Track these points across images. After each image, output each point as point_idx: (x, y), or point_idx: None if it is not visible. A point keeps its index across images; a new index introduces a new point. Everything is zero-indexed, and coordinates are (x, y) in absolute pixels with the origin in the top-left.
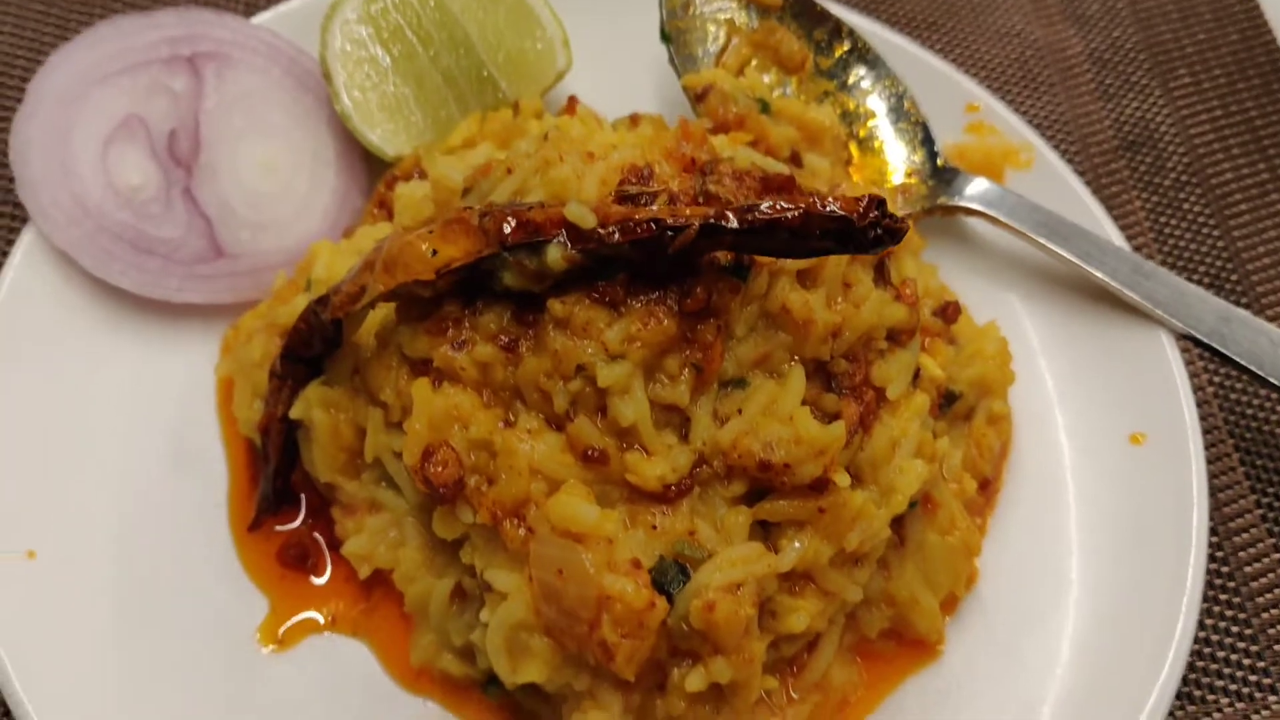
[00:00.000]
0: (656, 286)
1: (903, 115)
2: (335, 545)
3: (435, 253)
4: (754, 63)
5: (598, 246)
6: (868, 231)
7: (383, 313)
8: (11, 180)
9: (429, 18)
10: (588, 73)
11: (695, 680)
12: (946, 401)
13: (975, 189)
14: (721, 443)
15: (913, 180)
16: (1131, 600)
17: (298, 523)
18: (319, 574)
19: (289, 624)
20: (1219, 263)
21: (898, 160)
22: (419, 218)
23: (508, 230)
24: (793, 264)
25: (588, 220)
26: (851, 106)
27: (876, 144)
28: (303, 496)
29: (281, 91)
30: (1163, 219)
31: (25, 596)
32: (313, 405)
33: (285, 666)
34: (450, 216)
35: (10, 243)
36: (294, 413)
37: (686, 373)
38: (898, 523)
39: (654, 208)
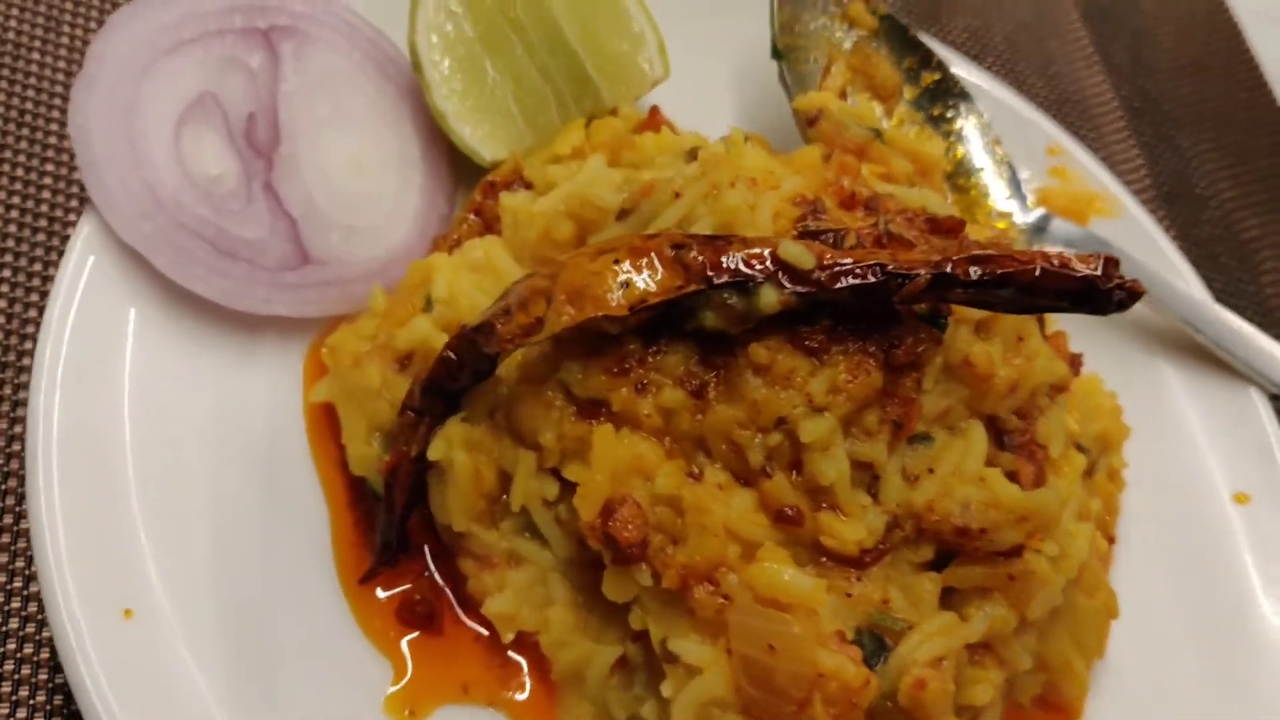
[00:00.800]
0: (859, 335)
1: (990, 153)
2: (463, 602)
3: (627, 285)
4: (848, 88)
5: (818, 290)
6: (1112, 294)
7: (533, 351)
8: (61, 153)
9: (525, 9)
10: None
11: None
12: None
13: (1069, 235)
14: (915, 504)
15: (1005, 223)
16: (1252, 660)
17: (416, 576)
18: (442, 633)
19: (421, 693)
20: (1256, 316)
21: (989, 200)
22: (545, 235)
23: (723, 265)
24: (975, 313)
25: (805, 261)
26: (939, 141)
27: (963, 181)
28: (426, 547)
29: (364, 78)
30: (1201, 269)
31: (125, 659)
32: (454, 445)
33: None
34: (637, 244)
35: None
36: (434, 454)
37: (884, 429)
38: None
39: (857, 249)
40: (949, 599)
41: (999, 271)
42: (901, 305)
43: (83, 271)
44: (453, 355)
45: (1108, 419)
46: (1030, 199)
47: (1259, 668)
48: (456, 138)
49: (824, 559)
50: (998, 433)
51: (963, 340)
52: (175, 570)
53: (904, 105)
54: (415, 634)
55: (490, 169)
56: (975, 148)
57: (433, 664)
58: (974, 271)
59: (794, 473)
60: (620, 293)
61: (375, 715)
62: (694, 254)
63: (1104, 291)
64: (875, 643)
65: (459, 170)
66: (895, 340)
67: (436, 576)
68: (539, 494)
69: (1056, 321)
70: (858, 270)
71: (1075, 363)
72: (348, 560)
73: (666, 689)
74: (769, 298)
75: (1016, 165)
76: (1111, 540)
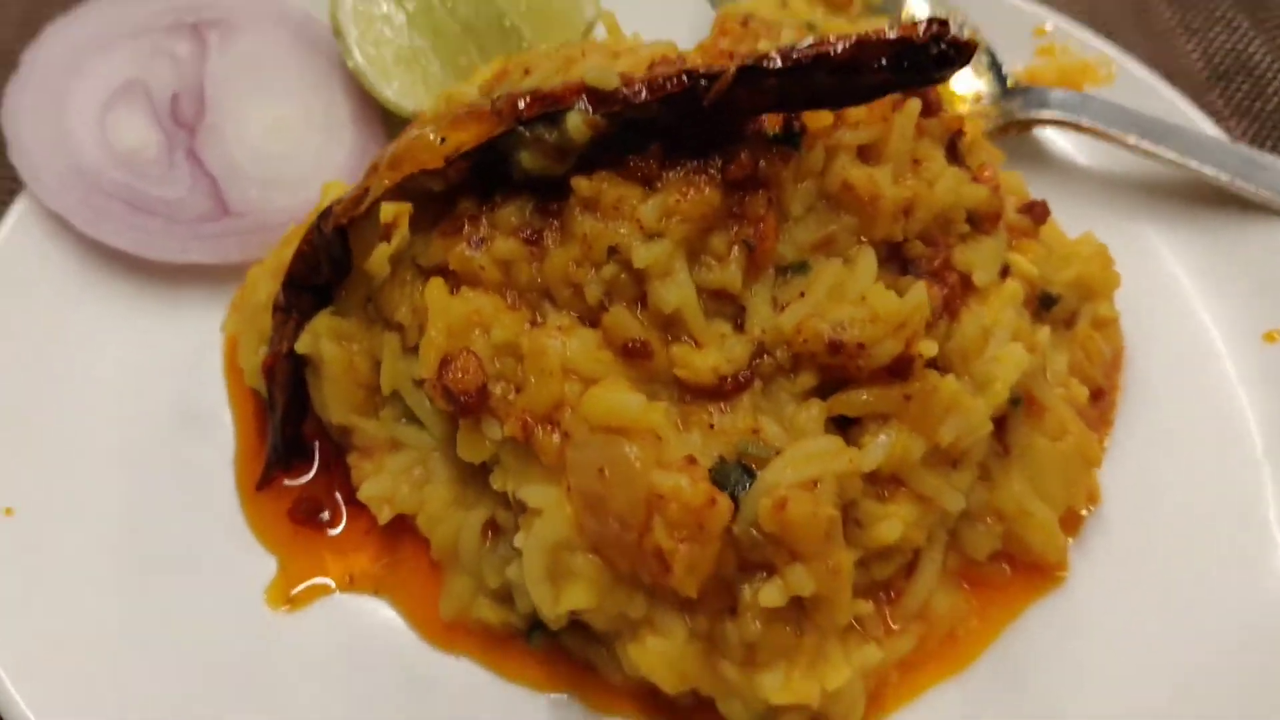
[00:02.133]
0: (696, 159)
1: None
2: (353, 499)
3: (444, 140)
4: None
5: (623, 108)
6: (929, 49)
7: (397, 241)
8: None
9: None
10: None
11: (771, 594)
12: (1044, 305)
13: (1052, 99)
14: (784, 328)
15: (981, 104)
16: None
17: (311, 477)
18: (332, 530)
19: (302, 586)
20: None
21: (963, 89)
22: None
23: (522, 106)
24: (851, 138)
25: (610, 81)
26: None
27: None
28: (316, 449)
29: (291, 54)
30: (1267, 145)
31: (5, 556)
32: (321, 337)
33: (300, 630)
34: (455, 114)
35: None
36: (300, 346)
37: (736, 252)
38: (1000, 428)
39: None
40: (847, 432)
41: (811, 53)
42: (747, 124)
43: (15, 239)
44: (306, 246)
45: (1086, 265)
46: (1010, 79)
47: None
48: (377, 93)
49: (685, 396)
50: (902, 261)
51: (839, 165)
52: (72, 481)
53: (869, 14)
54: (306, 532)
55: (414, 120)
56: None
57: (318, 558)
58: (783, 59)
59: (641, 307)
60: (438, 148)
61: (260, 607)
62: (502, 101)
63: (921, 48)
64: (742, 472)
65: (395, 128)
66: (730, 156)
67: (327, 478)
68: (407, 374)
69: (1011, 166)
70: (662, 80)
71: (1037, 209)
72: (248, 471)
73: (519, 540)
74: (575, 122)
75: (1001, 54)
76: (1101, 392)
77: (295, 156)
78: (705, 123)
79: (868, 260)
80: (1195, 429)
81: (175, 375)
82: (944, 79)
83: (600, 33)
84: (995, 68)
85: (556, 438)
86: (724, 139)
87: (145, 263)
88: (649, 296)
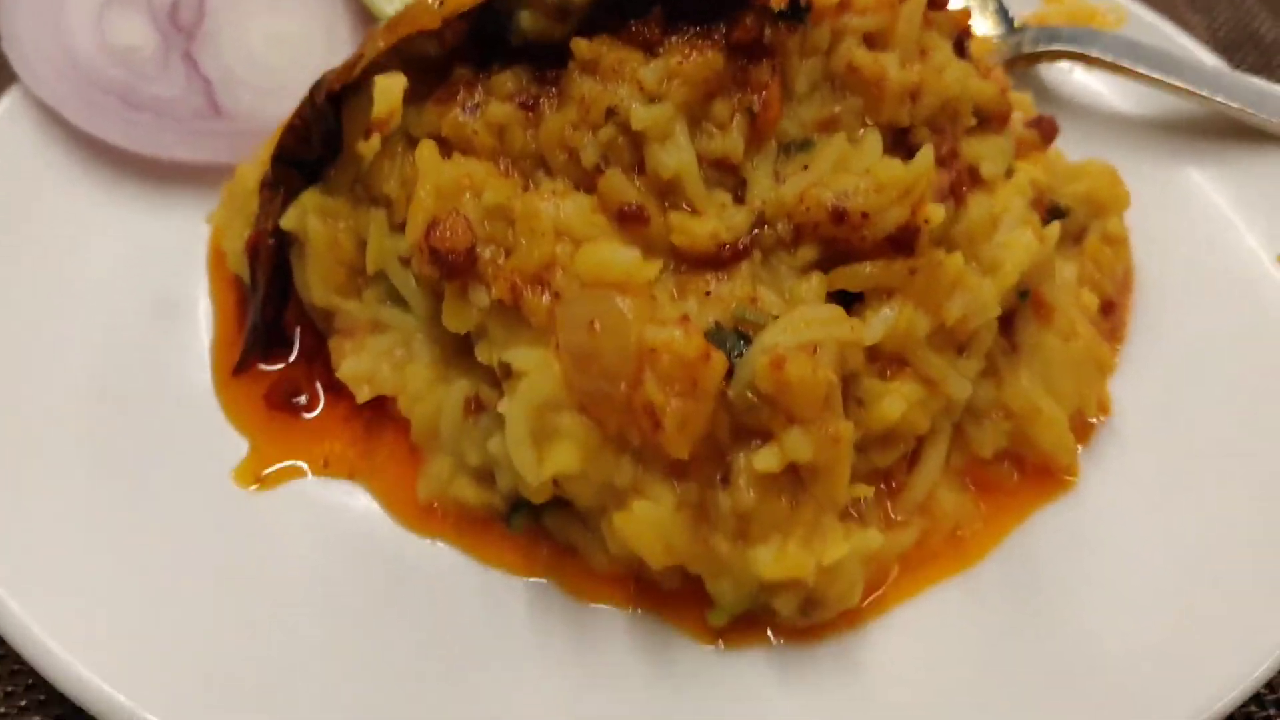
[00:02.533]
0: (700, 23)
1: None
2: (333, 386)
3: (442, 3)
4: None
5: None
6: None
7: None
8: None
9: None
10: None
11: (767, 459)
12: (1052, 215)
13: (1061, 33)
14: (785, 198)
15: (988, 43)
16: None
17: (290, 363)
18: (309, 414)
19: (274, 468)
20: None
21: None
22: None
23: None
24: (858, 24)
25: None
26: None
27: None
28: (297, 335)
29: None
30: None
31: None
32: (308, 213)
33: (273, 514)
34: None
35: None
36: (286, 222)
37: (738, 120)
38: (1008, 327)
39: None
40: (850, 309)
41: None
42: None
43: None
44: (298, 120)
45: (1095, 180)
46: (1016, 21)
47: None
48: (381, 14)
49: (682, 266)
50: (909, 148)
51: (845, 48)
52: (42, 360)
53: None
54: (282, 416)
55: None
56: None
57: (292, 439)
58: None
59: (639, 173)
60: (434, 10)
61: (231, 492)
62: None
63: None
64: (739, 338)
65: None
66: (735, 21)
67: (307, 365)
68: (393, 252)
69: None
70: None
71: (1044, 124)
72: (226, 358)
73: (502, 405)
74: None
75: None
76: (1112, 305)
77: (292, 69)
78: None
79: (873, 140)
80: (1209, 349)
81: (159, 267)
82: None
83: None
84: (1002, 11)
85: (546, 298)
86: (729, 4)
87: (136, 160)
88: (647, 161)
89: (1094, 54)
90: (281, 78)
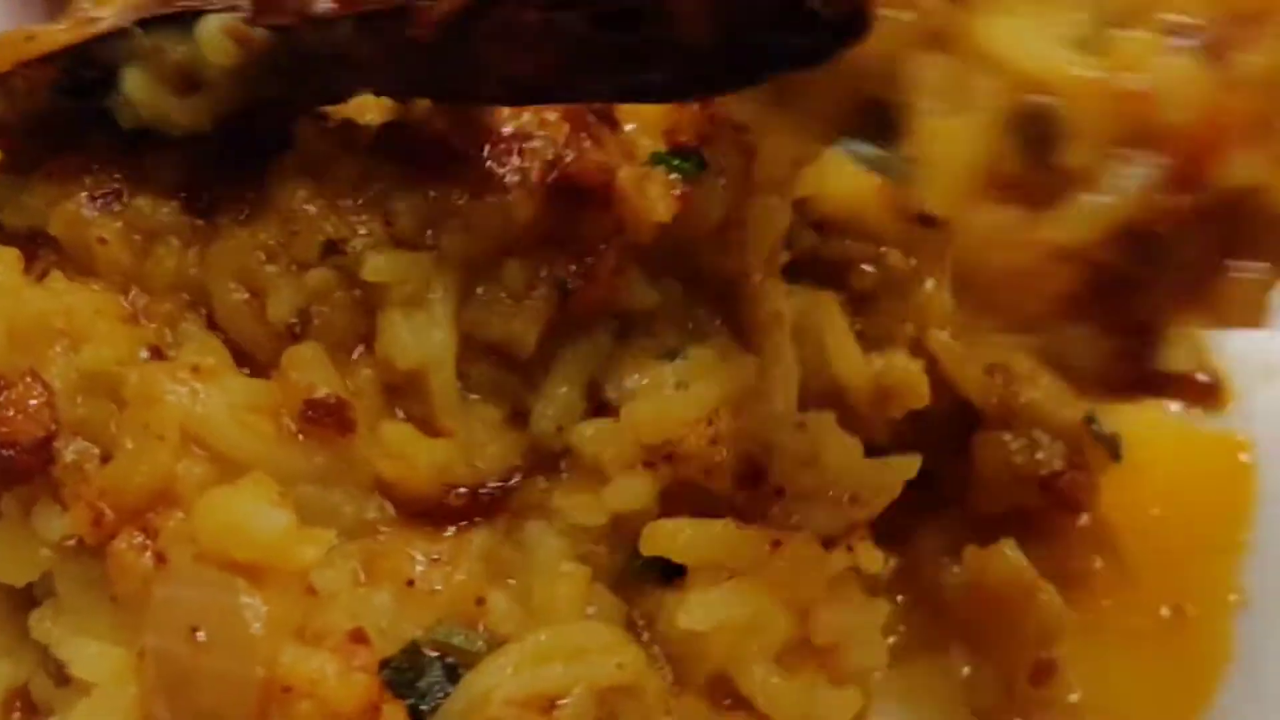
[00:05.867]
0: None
1: None
2: None
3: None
4: None
5: (298, 23)
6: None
7: None
8: None
9: None
10: None
11: None
12: None
13: None
14: (598, 432)
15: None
16: None
17: None
18: None
19: None
20: None
21: None
22: None
23: None
24: None
25: None
26: None
27: None
28: None
29: None
30: None
31: None
32: None
33: None
34: None
35: None
36: None
37: (542, 293)
38: None
39: None
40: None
41: None
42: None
43: None
44: None
45: None
46: None
47: None
48: None
49: (393, 515)
50: None
51: None
52: None
53: None
54: None
55: None
56: None
57: None
58: None
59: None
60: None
61: None
62: None
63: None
64: (442, 671)
65: None
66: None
67: None
68: None
69: None
70: None
71: None
72: None
73: None
74: (212, 32)
75: None
76: None
77: None
78: (443, 75)
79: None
80: None
81: None
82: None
83: None
84: None
85: (147, 557)
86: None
87: None
88: (378, 336)
89: None
90: None
